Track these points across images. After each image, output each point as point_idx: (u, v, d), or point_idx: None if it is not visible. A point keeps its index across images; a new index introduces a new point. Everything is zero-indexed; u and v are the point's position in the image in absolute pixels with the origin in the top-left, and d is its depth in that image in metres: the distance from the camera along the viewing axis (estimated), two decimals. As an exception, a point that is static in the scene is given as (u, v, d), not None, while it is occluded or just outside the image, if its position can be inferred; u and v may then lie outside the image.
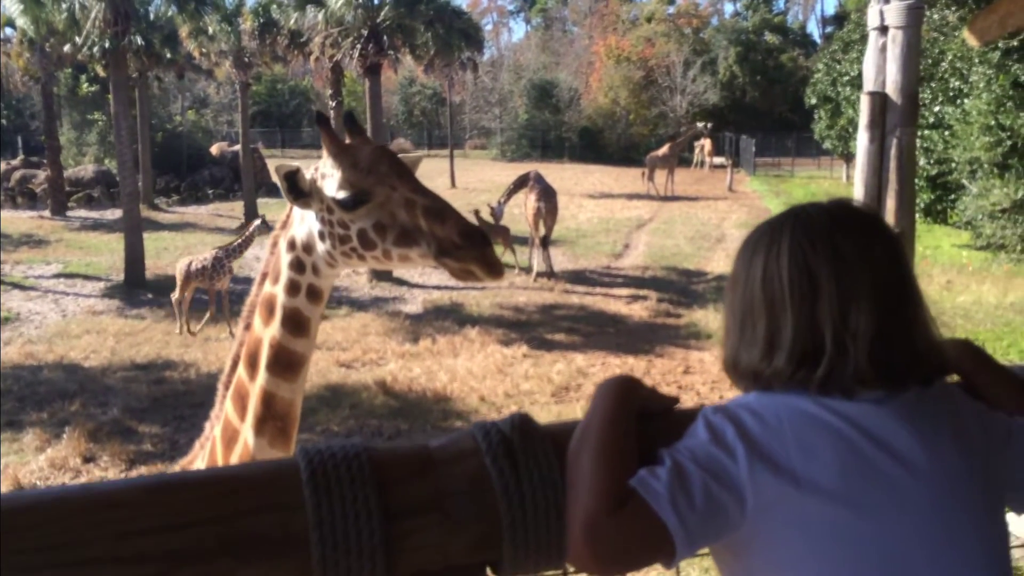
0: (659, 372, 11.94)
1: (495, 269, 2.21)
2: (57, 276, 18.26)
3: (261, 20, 21.02)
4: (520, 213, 19.06)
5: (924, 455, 1.21)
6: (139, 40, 17.78)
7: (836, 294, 1.25)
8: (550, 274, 18.05)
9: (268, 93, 57.40)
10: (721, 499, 1.18)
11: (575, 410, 10.40)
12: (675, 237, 23.29)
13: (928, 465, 1.21)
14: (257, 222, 14.42)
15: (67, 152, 31.32)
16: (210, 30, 23.76)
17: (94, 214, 27.09)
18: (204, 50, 24.65)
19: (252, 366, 2.52)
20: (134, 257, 17.09)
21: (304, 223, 2.46)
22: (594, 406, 1.29)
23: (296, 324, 2.48)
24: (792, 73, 53.27)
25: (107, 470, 8.88)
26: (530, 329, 14.16)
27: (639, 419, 1.29)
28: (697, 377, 11.74)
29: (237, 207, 26.57)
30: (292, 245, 2.49)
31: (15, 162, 30.82)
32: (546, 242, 18.16)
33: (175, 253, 21.12)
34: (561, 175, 40.12)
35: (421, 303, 16.32)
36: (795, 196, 30.66)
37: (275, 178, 2.45)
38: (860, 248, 1.28)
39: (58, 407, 10.45)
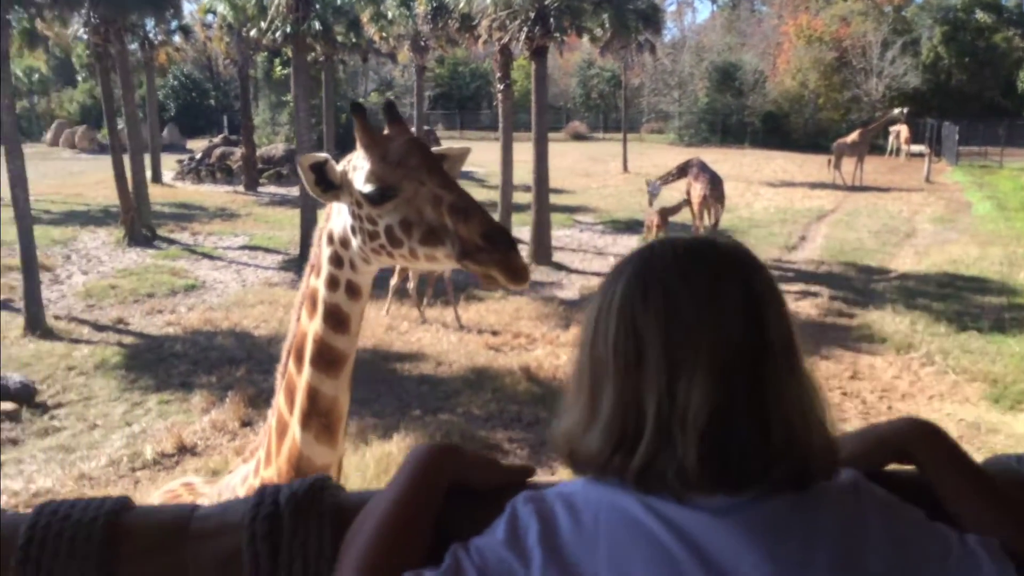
0: (822, 375, 11.15)
1: (518, 275, 2.02)
2: (242, 248, 19.49)
3: (434, 4, 21.43)
4: (674, 199, 18.47)
5: None
6: (318, 25, 18.50)
7: (664, 362, 0.96)
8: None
9: (450, 75, 58.82)
10: None
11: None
12: (858, 230, 21.85)
13: None
14: None
15: (261, 131, 33.42)
16: (389, 15, 24.55)
17: (282, 190, 28.73)
18: (384, 34, 25.50)
19: (299, 360, 2.46)
20: (308, 232, 17.96)
21: (340, 216, 2.36)
22: (393, 478, 1.07)
23: (337, 320, 2.39)
24: (1006, 55, 48.68)
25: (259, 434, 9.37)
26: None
27: (460, 496, 1.05)
28: (865, 384, 10.95)
29: (411, 187, 27.40)
30: (331, 239, 2.40)
31: (217, 140, 33.22)
32: (713, 230, 17.54)
33: (349, 230, 22.08)
34: (740, 161, 38.75)
35: (578, 289, 16.17)
36: (1002, 189, 28.09)
37: (299, 172, 2.35)
38: (704, 303, 0.97)
39: (225, 372, 11.13)
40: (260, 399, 10.04)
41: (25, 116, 54.12)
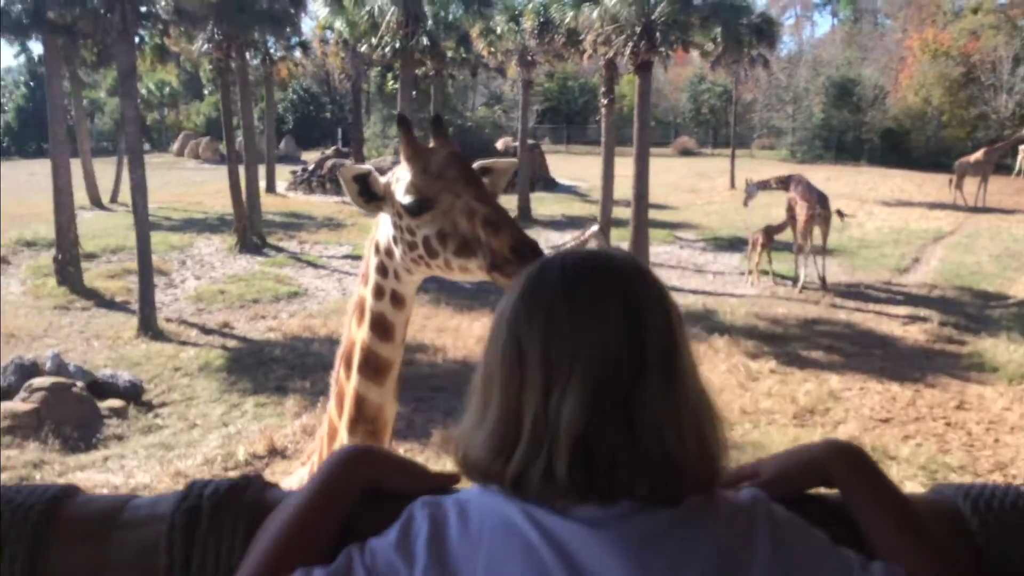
0: (926, 404, 10.68)
1: None
2: (345, 257, 20.03)
3: (541, 19, 21.57)
4: (772, 217, 17.95)
5: None
6: (425, 40, 18.90)
7: (541, 374, 0.97)
8: (819, 286, 16.84)
9: (559, 90, 59.05)
10: None
11: (815, 435, 9.59)
12: (977, 253, 20.75)
13: None
14: (594, 228, 13.58)
15: (372, 144, 34.33)
16: (498, 30, 24.84)
17: (387, 201, 29.35)
18: (492, 49, 25.82)
19: (348, 367, 2.54)
20: (408, 244, 18.30)
21: (385, 227, 2.42)
22: (311, 476, 1.09)
23: (383, 329, 2.45)
24: None
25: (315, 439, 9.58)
26: (784, 343, 13.28)
27: (383, 499, 1.07)
28: (971, 415, 10.36)
29: (513, 200, 27.59)
30: (377, 249, 2.47)
31: (329, 152, 34.32)
32: (820, 251, 16.97)
33: (450, 242, 22.38)
34: (856, 179, 37.44)
35: (674, 306, 15.89)
36: None
37: (342, 183, 2.40)
38: (583, 318, 0.98)
39: (319, 377, 11.40)
40: (349, 405, 10.28)
41: (155, 127, 57.29)
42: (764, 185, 18.14)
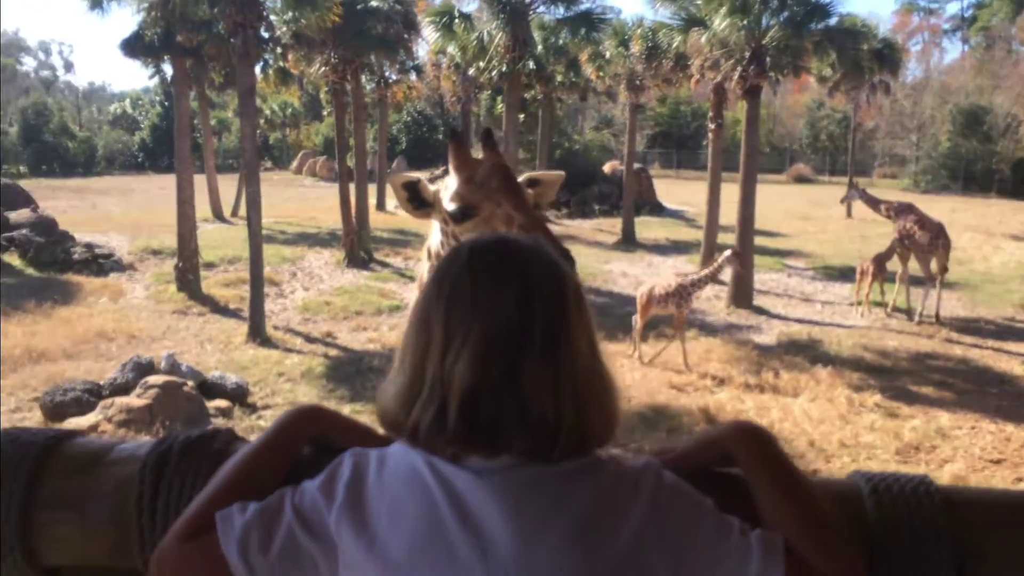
0: (1032, 449, 10.07)
1: None
2: (448, 274, 20.40)
3: (649, 43, 21.54)
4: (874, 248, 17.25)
5: (513, 546, 1.04)
6: (532, 64, 19.15)
7: (442, 340, 1.11)
8: (934, 319, 16.13)
9: (671, 114, 58.66)
10: (306, 549, 1.09)
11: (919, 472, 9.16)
12: (1111, 293, 19.44)
13: (514, 560, 1.04)
14: (727, 253, 13.42)
15: (480, 165, 34.89)
16: (606, 54, 24.94)
17: (492, 222, 29.76)
18: (601, 73, 25.93)
19: None
20: (509, 262, 18.51)
21: (435, 234, 2.51)
22: (265, 430, 1.23)
23: None
24: None
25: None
26: (892, 377, 12.76)
27: (335, 453, 1.18)
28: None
29: (619, 224, 27.53)
30: (429, 254, 2.55)
31: (438, 172, 34.59)
32: (936, 283, 16.25)
33: (551, 262, 22.48)
34: (984, 211, 35.74)
35: (776, 335, 15.52)
36: None
37: (392, 190, 2.51)
38: (481, 290, 1.12)
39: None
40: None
41: (277, 146, 59.88)
42: (871, 200, 17.53)
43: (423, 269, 2.57)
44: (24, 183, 32.64)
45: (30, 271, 19.08)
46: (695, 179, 45.79)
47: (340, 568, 1.09)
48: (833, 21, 18.32)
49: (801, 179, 52.23)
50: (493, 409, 1.07)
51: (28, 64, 78.69)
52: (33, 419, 10.49)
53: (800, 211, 35.30)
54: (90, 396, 10.75)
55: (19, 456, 1.20)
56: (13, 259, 19.64)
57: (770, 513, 1.15)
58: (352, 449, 1.17)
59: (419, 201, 2.47)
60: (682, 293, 12.96)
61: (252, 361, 13.04)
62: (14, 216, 21.35)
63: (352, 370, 12.66)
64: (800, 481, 1.18)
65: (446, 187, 2.39)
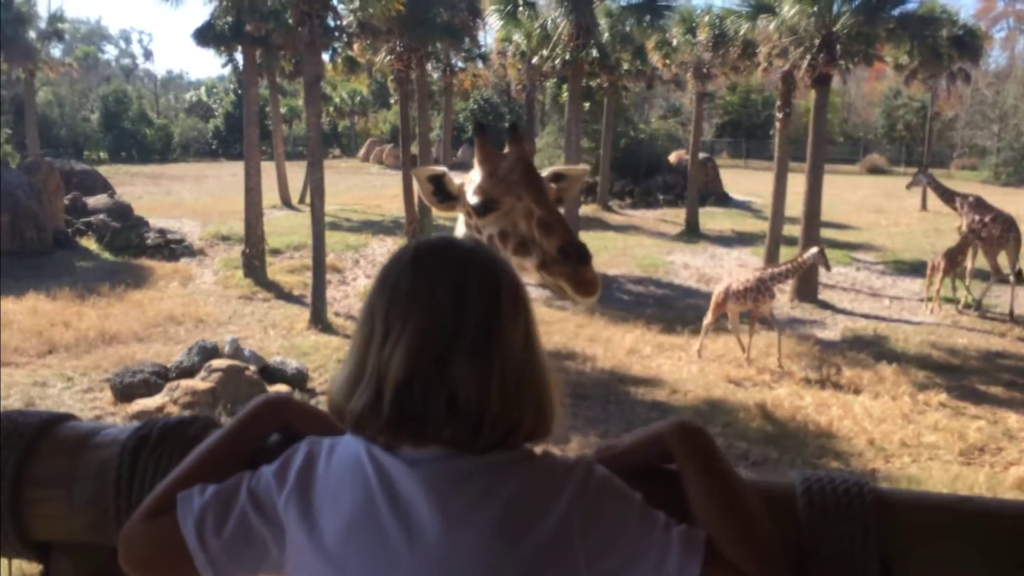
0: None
1: (585, 288, 2.08)
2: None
3: (716, 31, 21.18)
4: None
5: (438, 534, 1.10)
6: (595, 52, 19.00)
7: (381, 333, 1.17)
8: (1008, 317, 15.58)
9: (741, 103, 57.62)
10: (258, 531, 1.16)
11: (981, 475, 8.90)
12: None
13: (438, 549, 1.09)
14: (814, 250, 13.02)
15: (544, 153, 34.78)
16: (674, 42, 24.61)
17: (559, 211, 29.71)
18: (667, 61, 25.61)
19: None
20: (569, 252, 18.45)
21: (461, 227, 2.54)
22: (233, 417, 1.30)
23: None
24: None
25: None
26: (959, 376, 12.37)
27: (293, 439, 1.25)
28: None
29: (683, 214, 27.21)
30: None
31: (502, 161, 35.00)
32: (1016, 279, 15.65)
33: (612, 253, 22.39)
34: (1068, 205, 34.25)
35: (840, 330, 15.19)
36: None
37: (416, 183, 2.53)
38: (419, 287, 1.18)
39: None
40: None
41: (346, 134, 60.73)
42: (940, 189, 16.97)
43: None
44: (103, 169, 33.78)
45: (106, 255, 19.78)
46: (764, 169, 44.89)
47: (287, 550, 1.15)
48: (910, 7, 17.75)
49: (875, 170, 50.82)
50: (423, 399, 1.13)
51: (109, 52, 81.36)
52: (104, 399, 10.89)
53: (873, 203, 34.36)
54: (157, 378, 11.11)
55: (15, 436, 1.30)
56: (90, 243, 20.39)
57: (698, 510, 1.19)
58: (309, 437, 1.23)
59: (444, 194, 2.51)
60: (761, 288, 12.56)
61: (313, 347, 13.30)
62: (92, 201, 22.13)
63: (409, 358, 12.79)
64: (731, 481, 1.21)
65: (470, 180, 2.42)
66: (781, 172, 19.51)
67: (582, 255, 2.12)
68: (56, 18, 30.49)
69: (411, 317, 1.15)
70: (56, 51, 36.01)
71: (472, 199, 2.33)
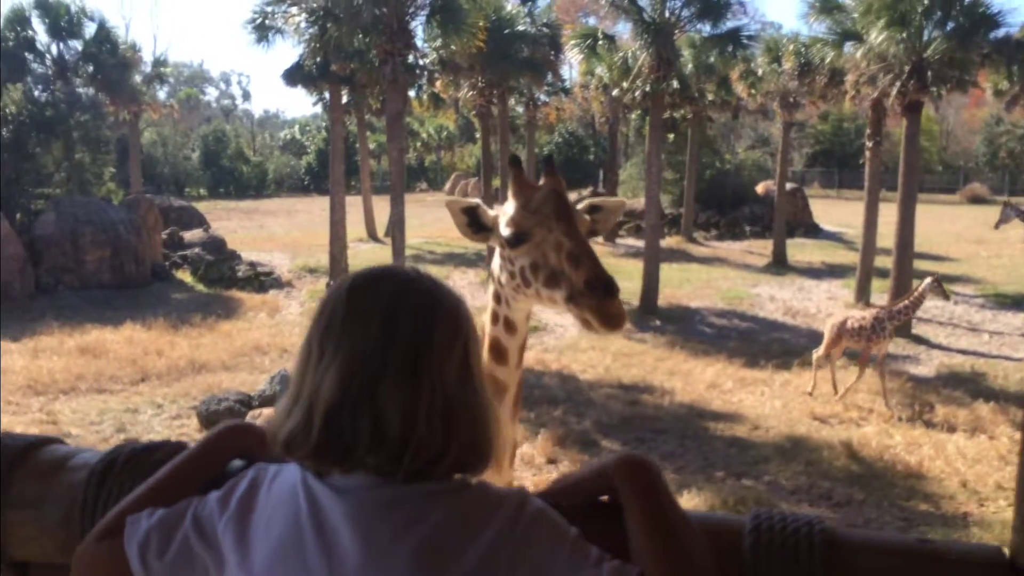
0: None
1: (609, 322, 2.13)
2: (589, 296, 20.33)
3: (802, 59, 20.81)
4: None
5: (359, 563, 1.10)
6: (676, 84, 18.89)
7: (315, 360, 1.18)
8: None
9: (832, 132, 56.38)
10: (199, 555, 1.17)
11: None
12: None
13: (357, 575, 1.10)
14: (928, 281, 12.45)
15: (628, 186, 34.70)
16: (759, 71, 24.30)
17: (639, 243, 29.51)
18: (752, 91, 25.29)
19: None
20: (650, 286, 18.30)
21: (497, 256, 2.55)
22: (194, 444, 1.34)
23: (498, 352, 2.59)
24: None
25: (565, 471, 9.70)
26: (1064, 415, 11.67)
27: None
28: None
29: (770, 246, 26.64)
30: (492, 276, 2.59)
31: (585, 193, 35.10)
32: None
33: (696, 285, 22.06)
34: None
35: (935, 366, 14.56)
36: None
37: (450, 214, 2.56)
38: (353, 316, 1.19)
39: (544, 410, 11.69)
40: (568, 439, 10.43)
41: (432, 168, 61.85)
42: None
43: (489, 291, 2.62)
44: (202, 205, 35.23)
45: (199, 287, 20.54)
46: (856, 199, 43.54)
47: (224, 574, 1.16)
48: (1009, 31, 17.08)
49: (976, 199, 48.77)
50: (351, 424, 1.14)
51: (211, 94, 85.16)
52: (191, 426, 11.23)
53: (973, 233, 32.95)
54: (241, 406, 11.41)
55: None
56: (185, 275, 21.21)
57: (635, 546, 1.17)
58: (257, 465, 1.26)
59: (478, 226, 2.53)
60: (877, 327, 11.94)
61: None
62: (188, 235, 23.07)
63: (486, 389, 12.80)
64: (671, 516, 1.19)
65: (504, 212, 2.44)
66: (872, 202, 18.97)
67: (609, 288, 2.13)
68: (159, 62, 32.14)
69: (343, 344, 1.17)
70: (162, 93, 37.86)
71: (504, 231, 2.37)
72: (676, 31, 18.94)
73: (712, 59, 22.03)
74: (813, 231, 32.72)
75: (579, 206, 2.57)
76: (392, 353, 1.16)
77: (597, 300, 2.12)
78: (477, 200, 2.57)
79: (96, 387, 12.48)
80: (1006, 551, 1.19)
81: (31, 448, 1.41)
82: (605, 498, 1.28)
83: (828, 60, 18.08)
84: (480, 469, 1.22)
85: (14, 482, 1.36)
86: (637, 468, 1.24)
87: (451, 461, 1.17)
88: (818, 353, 12.45)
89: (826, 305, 19.79)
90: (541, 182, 2.50)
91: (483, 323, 2.65)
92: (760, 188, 34.06)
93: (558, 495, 1.27)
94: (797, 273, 24.36)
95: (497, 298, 2.55)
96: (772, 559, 1.18)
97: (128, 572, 1.18)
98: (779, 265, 25.21)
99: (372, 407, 1.14)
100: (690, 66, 23.25)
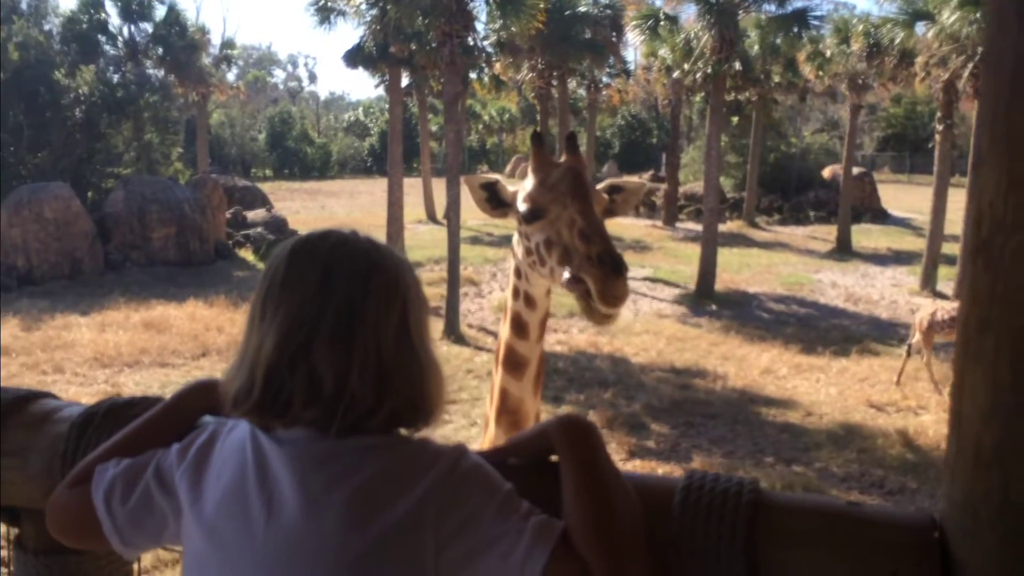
0: None
1: (611, 300, 2.13)
2: (645, 279, 20.20)
3: (871, 40, 20.22)
4: None
5: (296, 509, 1.15)
6: (738, 65, 18.54)
7: (257, 320, 1.23)
8: None
9: (905, 115, 54.76)
10: (158, 502, 1.23)
11: None
12: None
13: (293, 525, 1.14)
14: None
15: (689, 169, 34.25)
16: (827, 52, 23.71)
17: (698, 226, 29.12)
18: (820, 73, 24.70)
19: (496, 362, 2.72)
20: (706, 270, 18.08)
21: (517, 232, 2.57)
22: (164, 399, 1.41)
23: (519, 326, 2.60)
24: None
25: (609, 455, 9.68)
26: None
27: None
28: None
29: (835, 231, 26.07)
30: (513, 252, 2.61)
31: (646, 176, 34.79)
32: None
33: (755, 270, 21.71)
34: None
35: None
36: None
37: (469, 190, 2.59)
38: (291, 275, 1.23)
39: (594, 393, 11.68)
40: (617, 422, 10.40)
41: (493, 151, 61.89)
42: None
43: (511, 268, 2.64)
44: (267, 185, 35.91)
45: (260, 266, 20.90)
46: (928, 185, 42.39)
47: (181, 520, 1.23)
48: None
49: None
50: (290, 381, 1.18)
51: (278, 76, 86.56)
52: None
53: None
54: (296, 381, 11.65)
55: None
56: (247, 254, 21.67)
57: (565, 501, 1.20)
58: (218, 418, 1.33)
59: (497, 201, 2.55)
60: None
61: (444, 357, 13.15)
62: (251, 215, 23.55)
63: (537, 370, 12.84)
64: (600, 473, 1.21)
65: (523, 188, 2.45)
66: (941, 187, 18.44)
67: (616, 265, 2.13)
68: (227, 45, 32.81)
69: (282, 304, 1.21)
70: (230, 75, 38.65)
71: (521, 206, 2.40)
72: (740, 11, 18.57)
73: (778, 40, 21.59)
74: (880, 217, 31.90)
75: (599, 186, 2.58)
76: (327, 313, 1.20)
77: (603, 273, 2.11)
78: (496, 177, 2.60)
79: (159, 361, 12.86)
80: (937, 518, 1.18)
81: (23, 401, 1.48)
82: (554, 458, 1.29)
83: (898, 41, 17.56)
84: (420, 424, 1.26)
85: (4, 431, 1.44)
86: (572, 427, 1.26)
87: (385, 416, 1.21)
88: (911, 341, 12.10)
89: (890, 292, 19.32)
90: (562, 159, 2.52)
91: (505, 298, 2.68)
92: (827, 172, 33.31)
93: (501, 454, 1.32)
94: (861, 259, 23.79)
95: (517, 273, 2.56)
96: (697, 516, 1.20)
97: (95, 517, 1.25)
98: (843, 251, 24.66)
99: (307, 364, 1.18)
100: (756, 47, 22.83)
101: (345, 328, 1.20)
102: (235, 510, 1.17)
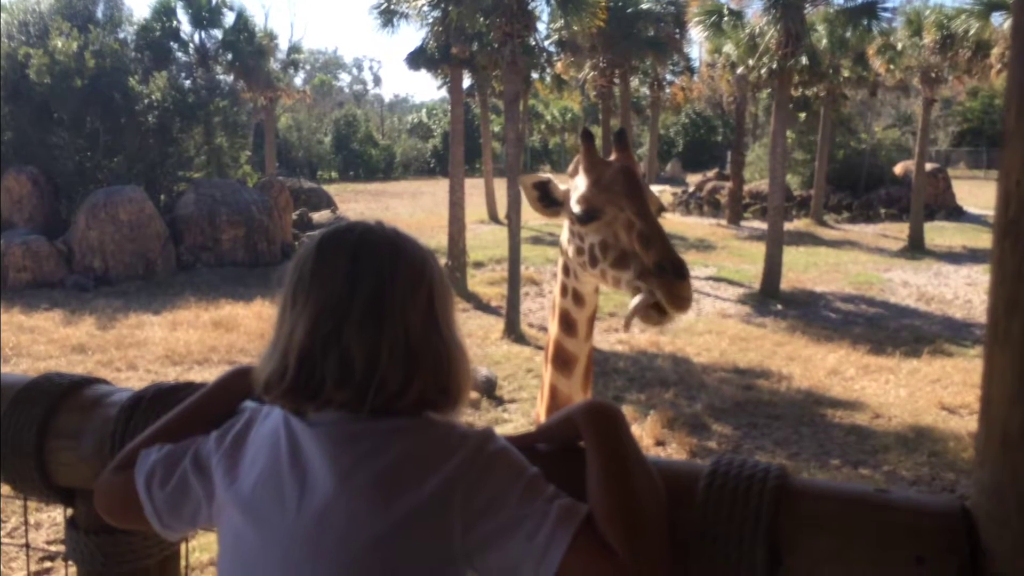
0: None
1: (679, 303, 2.13)
2: (708, 279, 19.95)
3: (944, 32, 19.60)
4: None
5: (328, 487, 1.20)
6: (804, 60, 18.13)
7: (290, 308, 1.28)
8: None
9: (982, 109, 53.03)
10: (194, 488, 1.30)
11: None
12: None
13: (324, 499, 1.19)
14: None
15: (754, 167, 33.69)
16: (899, 46, 23.08)
17: (763, 225, 28.60)
18: (891, 66, 24.06)
19: (545, 359, 2.72)
20: (772, 269, 17.76)
21: (566, 230, 2.56)
22: (205, 385, 1.48)
23: (567, 324, 2.59)
24: None
25: (670, 456, 9.58)
26: None
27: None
28: None
29: (906, 229, 25.35)
30: (562, 249, 2.61)
31: (710, 175, 34.35)
32: None
33: (823, 269, 21.25)
34: None
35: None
36: None
37: (521, 190, 2.58)
38: (321, 267, 1.28)
39: (655, 392, 11.58)
40: (678, 422, 10.29)
41: (556, 150, 61.83)
42: None
43: (560, 265, 2.63)
44: (332, 187, 36.49)
45: (326, 266, 21.32)
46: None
47: (214, 504, 1.29)
48: None
49: None
50: (322, 364, 1.23)
51: (343, 80, 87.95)
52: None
53: None
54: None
55: (46, 393, 1.54)
56: (313, 254, 22.06)
57: (589, 486, 1.22)
58: (255, 405, 1.39)
59: (549, 200, 2.54)
60: None
61: (505, 356, 13.61)
62: (317, 216, 24.00)
63: (598, 371, 12.78)
64: (625, 458, 1.24)
65: (575, 187, 2.43)
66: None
67: (679, 270, 2.13)
68: (294, 49, 33.44)
69: (312, 292, 1.26)
70: (297, 80, 39.35)
71: (575, 207, 2.37)
72: (807, 5, 18.20)
73: (847, 33, 21.09)
74: (955, 214, 30.92)
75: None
76: (356, 298, 1.25)
77: (668, 280, 2.11)
78: (548, 176, 2.58)
79: (227, 359, 13.17)
80: (967, 505, 1.15)
81: (78, 385, 1.57)
82: (582, 444, 1.31)
83: (973, 32, 16.98)
84: (448, 407, 1.30)
85: (60, 414, 1.52)
86: (597, 413, 1.30)
87: (414, 398, 1.25)
88: None
89: (964, 292, 18.71)
90: (612, 157, 2.49)
91: (554, 296, 2.67)
92: (899, 169, 32.40)
93: (529, 439, 1.35)
94: (934, 258, 23.10)
95: (566, 270, 2.55)
96: (722, 501, 1.20)
97: (132, 498, 1.33)
98: (915, 249, 23.98)
99: (338, 348, 1.23)
100: (824, 41, 22.34)
101: (374, 312, 1.24)
102: (270, 491, 1.23)
